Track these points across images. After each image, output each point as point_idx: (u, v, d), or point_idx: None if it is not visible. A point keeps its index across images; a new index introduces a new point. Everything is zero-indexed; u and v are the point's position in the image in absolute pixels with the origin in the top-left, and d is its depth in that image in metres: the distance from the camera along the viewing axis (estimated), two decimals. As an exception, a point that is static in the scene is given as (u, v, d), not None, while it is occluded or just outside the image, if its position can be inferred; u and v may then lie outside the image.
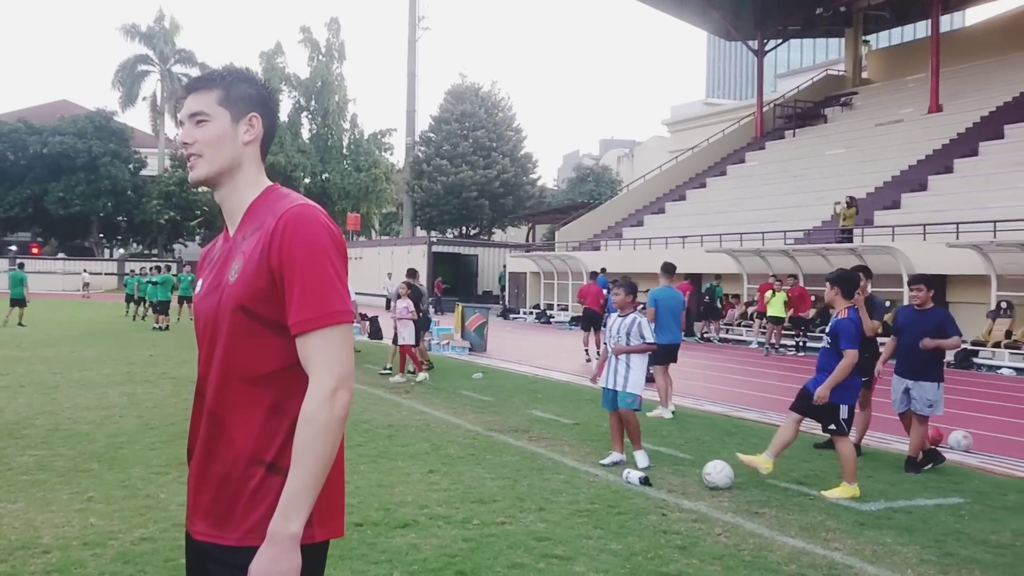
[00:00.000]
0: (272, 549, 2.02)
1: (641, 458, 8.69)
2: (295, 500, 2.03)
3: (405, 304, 15.87)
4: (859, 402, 9.59)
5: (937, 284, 23.85)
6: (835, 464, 8.99)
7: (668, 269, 13.20)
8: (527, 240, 56.35)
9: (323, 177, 68.94)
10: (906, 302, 22.57)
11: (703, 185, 42.04)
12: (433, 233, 59.69)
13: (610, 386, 8.80)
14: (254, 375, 2.16)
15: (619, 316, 9.00)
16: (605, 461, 8.84)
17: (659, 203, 42.85)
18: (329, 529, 2.17)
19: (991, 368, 19.93)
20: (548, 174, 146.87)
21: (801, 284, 24.93)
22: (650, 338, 8.86)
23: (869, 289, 10.32)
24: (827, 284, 8.40)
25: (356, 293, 26.61)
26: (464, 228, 62.64)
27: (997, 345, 20.75)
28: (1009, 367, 19.91)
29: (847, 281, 8.31)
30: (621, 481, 8.00)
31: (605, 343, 9.33)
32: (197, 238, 74.28)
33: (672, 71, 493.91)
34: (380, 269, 45.88)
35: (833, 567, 5.65)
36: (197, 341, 2.37)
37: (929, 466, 8.96)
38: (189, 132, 2.32)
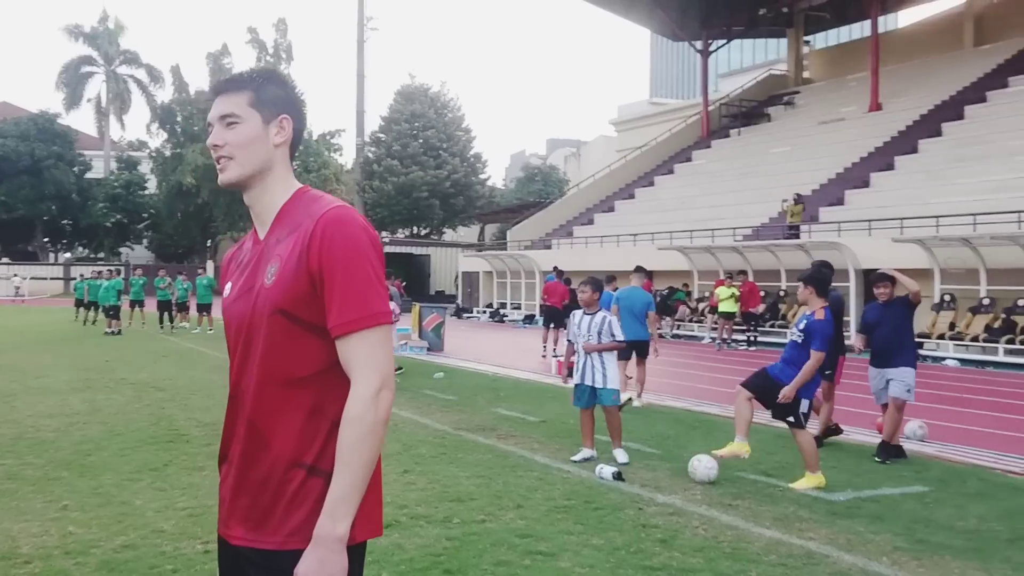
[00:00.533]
0: (319, 551, 2.02)
1: (620, 455, 8.78)
2: (342, 502, 2.04)
3: (393, 306, 15.61)
4: (823, 394, 9.88)
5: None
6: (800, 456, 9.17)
7: (638, 270, 13.65)
8: (478, 240, 56.36)
9: (272, 179, 68.18)
10: (852, 295, 23.07)
11: (652, 183, 42.39)
12: (384, 233, 59.42)
13: (588, 383, 8.85)
14: (293, 378, 2.14)
15: (586, 314, 9.06)
16: (576, 457, 8.90)
17: (609, 201, 43.13)
18: (369, 529, 2.17)
19: (936, 359, 20.36)
20: (496, 174, 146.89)
21: (751, 280, 25.27)
22: (620, 336, 8.94)
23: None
24: (800, 283, 8.55)
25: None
26: (415, 228, 62.45)
27: (942, 337, 21.22)
28: (953, 358, 20.37)
29: (820, 280, 8.48)
30: (594, 477, 8.05)
31: (569, 340, 9.42)
32: (144, 241, 73.15)
33: (617, 71, 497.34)
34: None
35: (811, 556, 5.75)
36: (229, 346, 2.34)
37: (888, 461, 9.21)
38: (220, 134, 2.29)
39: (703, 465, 8.01)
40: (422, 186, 57.11)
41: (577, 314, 9.23)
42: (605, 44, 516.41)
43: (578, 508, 6.98)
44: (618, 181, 45.43)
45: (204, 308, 27.91)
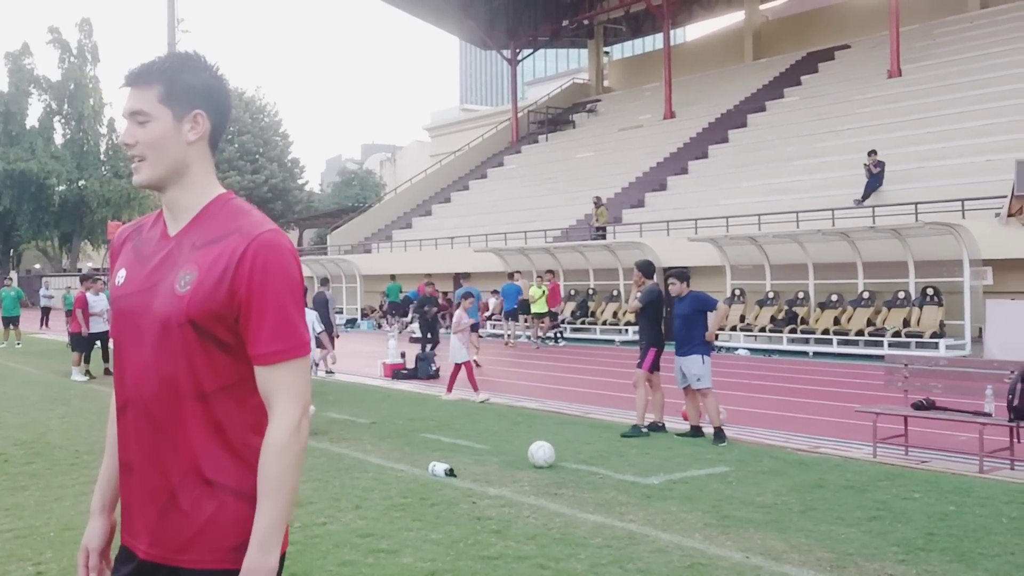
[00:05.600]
0: None
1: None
2: (273, 532, 2.02)
3: (461, 314, 14.12)
4: (651, 384, 10.53)
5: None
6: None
7: (510, 275, 15.13)
8: (298, 245, 55.35)
9: (80, 184, 64.39)
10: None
11: (466, 188, 42.86)
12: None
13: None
14: (198, 391, 2.07)
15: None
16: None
17: (426, 205, 43.31)
18: (284, 543, 2.14)
19: (729, 350, 21.63)
20: (313, 179, 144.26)
21: (558, 280, 26.02)
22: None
23: (648, 281, 11.38)
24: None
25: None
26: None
27: (733, 328, 22.56)
28: (744, 347, 21.72)
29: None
30: (427, 475, 8.22)
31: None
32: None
33: (428, 77, 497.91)
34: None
35: (633, 537, 6.13)
36: (116, 338, 2.20)
37: (691, 437, 9.93)
38: (130, 132, 2.14)
39: (543, 451, 8.43)
40: (239, 191, 55.45)
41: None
42: (416, 51, 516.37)
43: (415, 505, 7.13)
44: (434, 185, 45.68)
45: (12, 321, 26.07)
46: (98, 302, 17.26)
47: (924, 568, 5.40)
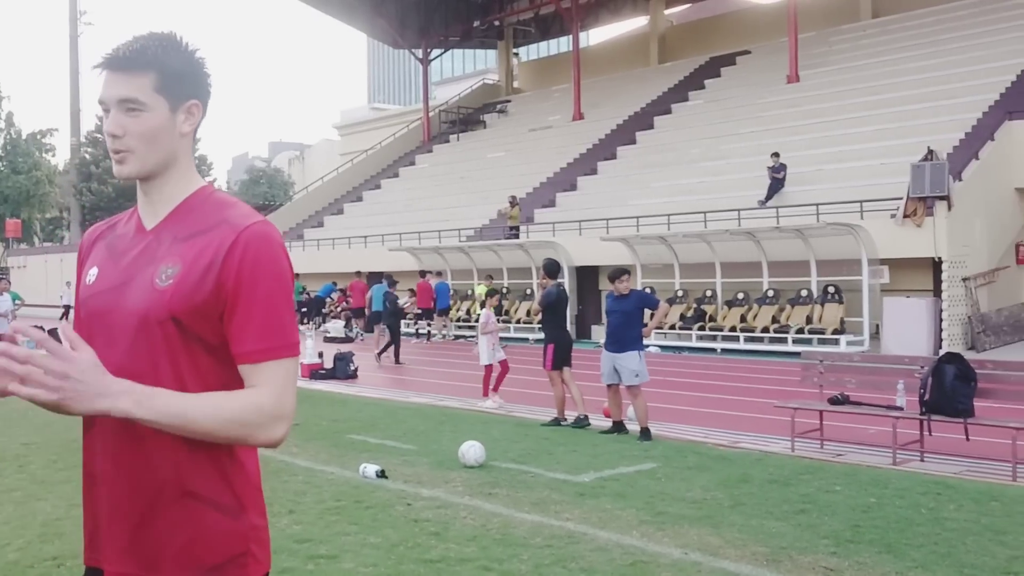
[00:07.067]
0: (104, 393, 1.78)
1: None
2: (166, 402, 1.81)
3: (489, 314, 13.30)
4: (563, 381, 10.62)
5: (590, 274, 26.04)
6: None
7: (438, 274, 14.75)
8: (205, 242, 54.04)
9: (-27, 181, 61.77)
10: (568, 290, 24.26)
11: (378, 187, 42.45)
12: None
13: None
14: None
15: None
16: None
17: (338, 204, 42.74)
18: (268, 562, 2.03)
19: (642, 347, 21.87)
20: (219, 177, 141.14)
21: (427, 280, 25.62)
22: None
23: (550, 282, 11.52)
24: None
25: (26, 305, 24.35)
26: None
27: (644, 326, 22.82)
28: (656, 345, 21.99)
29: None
30: (358, 477, 8.07)
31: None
32: None
33: (335, 75, 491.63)
34: (48, 278, 42.17)
35: (572, 536, 6.11)
36: (88, 341, 1.92)
37: (615, 434, 10.01)
38: (119, 122, 1.96)
39: (474, 451, 8.36)
40: (143, 189, 53.79)
41: None
42: (324, 48, 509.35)
43: (350, 508, 6.98)
44: (345, 184, 45.09)
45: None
46: (2, 303, 16.51)
47: (855, 560, 5.51)
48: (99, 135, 55.80)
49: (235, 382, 1.95)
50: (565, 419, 10.78)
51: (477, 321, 24.36)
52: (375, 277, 31.03)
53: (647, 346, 12.03)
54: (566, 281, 24.46)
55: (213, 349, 1.94)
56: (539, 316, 11.45)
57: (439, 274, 27.06)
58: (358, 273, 28.28)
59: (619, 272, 10.50)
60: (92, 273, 2.06)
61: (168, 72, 1.96)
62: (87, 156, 54.58)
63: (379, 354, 19.29)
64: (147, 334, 1.92)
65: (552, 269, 11.70)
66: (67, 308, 38.25)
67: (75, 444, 9.38)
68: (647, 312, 10.42)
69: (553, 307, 11.32)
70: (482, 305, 24.98)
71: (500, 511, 6.82)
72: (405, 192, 39.73)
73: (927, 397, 8.17)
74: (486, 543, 5.98)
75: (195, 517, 1.94)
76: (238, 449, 1.99)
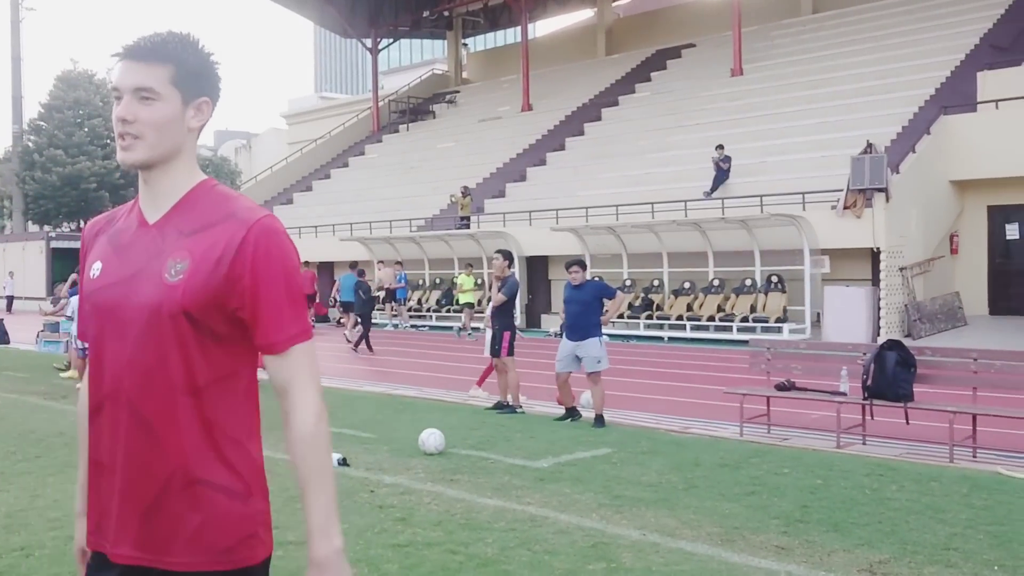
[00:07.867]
0: (328, 571, 2.00)
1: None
2: (329, 518, 2.03)
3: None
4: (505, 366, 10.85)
5: (540, 264, 26.24)
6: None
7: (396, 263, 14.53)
8: (152, 231, 53.08)
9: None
10: (519, 279, 24.46)
11: (328, 176, 42.17)
12: (49, 228, 54.18)
13: None
14: (191, 385, 1.99)
15: None
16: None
17: (287, 193, 42.37)
18: (271, 545, 2.13)
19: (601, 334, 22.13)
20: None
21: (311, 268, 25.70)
22: None
23: (508, 271, 11.67)
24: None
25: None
26: (83, 221, 57.52)
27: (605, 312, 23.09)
28: (605, 333, 22.22)
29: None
30: (320, 465, 8.12)
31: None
32: None
33: (282, 63, 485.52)
34: (-10, 267, 41.12)
35: (534, 520, 6.26)
36: (94, 334, 2.09)
37: (568, 420, 10.22)
38: (131, 108, 2.01)
39: (434, 438, 8.48)
40: (90, 177, 52.59)
41: None
42: (270, 36, 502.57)
43: (314, 496, 7.03)
44: (294, 174, 44.68)
45: None
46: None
47: (805, 538, 5.74)
48: (42, 123, 54.61)
49: (241, 368, 2.08)
50: (520, 406, 10.96)
51: (460, 311, 24.71)
52: (332, 267, 30.96)
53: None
54: (517, 271, 24.61)
55: (221, 338, 2.03)
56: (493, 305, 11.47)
57: (399, 263, 27.07)
58: (306, 263, 28.04)
59: (571, 263, 10.68)
60: (96, 267, 2.11)
61: (185, 67, 2.05)
62: (30, 144, 53.28)
63: (355, 345, 19.30)
64: (158, 327, 1.98)
65: (511, 257, 11.89)
66: (10, 299, 37.44)
67: (32, 436, 9.41)
68: (605, 301, 10.58)
69: (512, 297, 11.49)
70: (467, 303, 25.05)
71: (463, 496, 6.94)
72: (356, 182, 39.53)
73: (869, 383, 8.48)
74: (451, 527, 6.10)
75: (205, 503, 2.01)
76: (245, 436, 2.08)
